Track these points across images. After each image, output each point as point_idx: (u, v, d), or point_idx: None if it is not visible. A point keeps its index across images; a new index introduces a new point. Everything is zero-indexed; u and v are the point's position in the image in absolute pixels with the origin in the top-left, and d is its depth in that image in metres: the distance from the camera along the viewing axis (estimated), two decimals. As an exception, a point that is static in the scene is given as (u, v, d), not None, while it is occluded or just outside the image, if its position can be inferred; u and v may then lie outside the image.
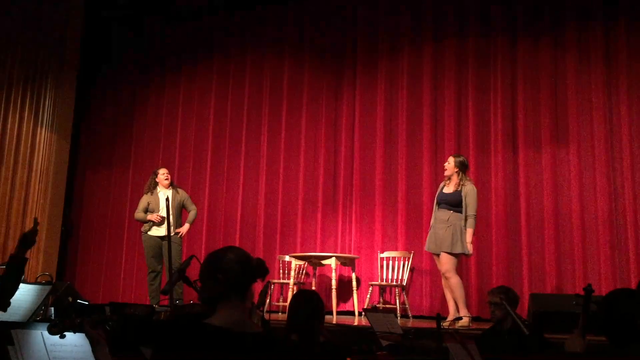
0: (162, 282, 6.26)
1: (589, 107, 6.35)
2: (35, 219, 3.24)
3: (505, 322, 3.75)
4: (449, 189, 5.51)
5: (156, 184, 6.43)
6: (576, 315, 3.05)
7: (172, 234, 6.12)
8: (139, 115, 8.49)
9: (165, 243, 6.15)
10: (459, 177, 5.47)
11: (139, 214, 6.40)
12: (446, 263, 5.30)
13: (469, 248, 5.30)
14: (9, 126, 7.48)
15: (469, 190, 5.39)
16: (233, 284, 1.86)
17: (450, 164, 5.54)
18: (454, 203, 5.38)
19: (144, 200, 6.40)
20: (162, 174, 6.41)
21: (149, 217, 6.26)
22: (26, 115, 7.67)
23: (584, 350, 2.82)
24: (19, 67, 7.63)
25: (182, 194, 6.49)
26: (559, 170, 6.38)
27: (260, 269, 1.93)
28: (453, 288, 5.29)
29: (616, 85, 6.30)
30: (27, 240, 2.98)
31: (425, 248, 5.67)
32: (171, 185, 6.46)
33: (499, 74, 6.76)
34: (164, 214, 6.23)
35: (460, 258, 5.50)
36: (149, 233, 6.29)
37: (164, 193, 6.36)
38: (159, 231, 6.25)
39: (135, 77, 8.60)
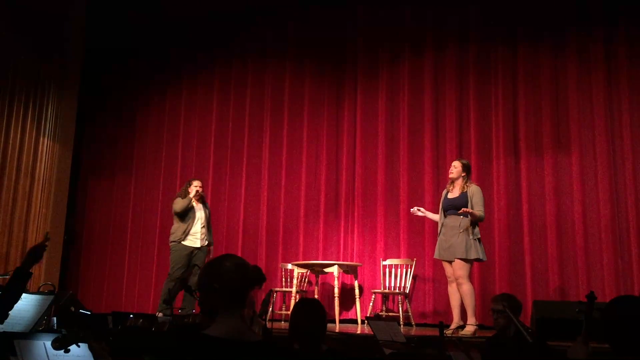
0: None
1: (590, 113, 6.36)
2: (47, 234, 3.18)
3: (509, 329, 3.74)
4: (453, 194, 5.48)
5: (188, 191, 6.33)
6: (579, 322, 3.04)
7: (205, 245, 6.21)
8: (141, 125, 8.51)
9: (196, 253, 6.13)
10: (464, 181, 5.46)
11: (181, 202, 6.19)
12: (460, 269, 5.25)
13: (464, 210, 5.22)
14: (11, 135, 7.49)
15: (475, 190, 5.37)
16: (231, 292, 1.86)
17: (457, 167, 5.52)
18: (462, 206, 5.34)
19: (178, 200, 6.28)
20: (196, 186, 6.32)
21: (193, 194, 6.19)
22: (29, 124, 7.68)
23: (587, 357, 2.81)
24: (21, 77, 7.66)
25: (208, 206, 6.50)
26: (560, 177, 6.38)
27: (257, 277, 1.93)
28: (464, 295, 5.25)
29: (617, 91, 6.31)
30: (35, 254, 2.92)
31: (435, 256, 5.60)
32: (201, 199, 6.36)
33: (499, 80, 6.77)
34: (199, 227, 6.21)
35: (473, 264, 5.48)
36: (184, 243, 6.13)
37: (199, 207, 6.32)
38: (194, 242, 6.16)
39: (136, 87, 8.62)
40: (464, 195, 5.37)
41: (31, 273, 2.86)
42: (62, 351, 2.00)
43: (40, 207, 7.71)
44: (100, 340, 2.11)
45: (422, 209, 5.75)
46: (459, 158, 5.79)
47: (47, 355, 2.04)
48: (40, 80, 7.84)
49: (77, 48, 8.18)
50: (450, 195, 5.51)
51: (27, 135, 7.67)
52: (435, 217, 5.66)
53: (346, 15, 7.61)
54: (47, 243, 2.99)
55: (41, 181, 7.75)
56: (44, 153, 7.81)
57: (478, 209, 5.28)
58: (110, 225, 8.38)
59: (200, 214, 6.30)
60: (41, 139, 7.80)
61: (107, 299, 8.06)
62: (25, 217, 7.55)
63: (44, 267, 7.53)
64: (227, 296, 1.86)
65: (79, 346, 2.02)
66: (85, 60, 8.38)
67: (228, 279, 1.86)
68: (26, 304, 3.32)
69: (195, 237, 6.19)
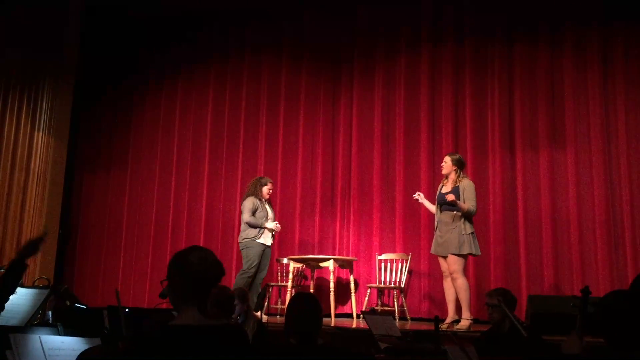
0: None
1: (586, 109, 6.38)
2: (46, 226, 3.20)
3: (503, 324, 3.75)
4: (447, 188, 5.51)
5: (260, 191, 6.26)
6: (574, 317, 3.05)
7: (272, 244, 6.29)
8: (137, 119, 8.48)
9: (266, 251, 6.20)
10: (457, 175, 5.47)
11: (254, 219, 6.13)
12: (454, 264, 5.28)
13: (449, 197, 5.24)
14: (6, 129, 7.46)
15: (467, 185, 5.40)
16: (191, 285, 1.86)
17: (447, 162, 5.54)
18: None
19: (251, 202, 6.19)
20: (269, 188, 6.31)
21: (270, 226, 6.14)
22: (23, 118, 7.65)
23: (581, 352, 2.82)
24: (16, 70, 7.62)
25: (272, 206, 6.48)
26: (556, 173, 6.40)
27: (214, 275, 1.90)
28: (459, 290, 5.27)
29: (613, 87, 6.33)
30: (32, 247, 2.93)
31: (432, 251, 5.65)
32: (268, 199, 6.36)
33: (496, 76, 6.78)
34: (271, 226, 6.19)
35: (468, 259, 5.50)
36: (258, 240, 6.11)
37: (268, 206, 6.30)
38: (266, 240, 6.17)
39: (132, 82, 8.58)
40: (456, 190, 5.39)
41: (27, 265, 2.84)
42: (58, 343, 2.00)
43: (35, 201, 7.68)
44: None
45: (422, 195, 5.75)
46: (449, 153, 5.78)
47: (43, 349, 2.04)
48: (35, 73, 7.81)
49: (73, 42, 8.14)
50: (444, 190, 5.53)
51: (22, 129, 7.64)
52: (431, 207, 5.67)
53: (343, 10, 7.58)
54: (44, 237, 2.96)
55: (36, 175, 7.73)
56: (39, 147, 7.78)
57: (470, 204, 5.30)
58: (105, 219, 8.36)
59: (270, 212, 6.29)
60: (36, 132, 7.77)
61: (102, 293, 8.04)
62: (20, 212, 7.53)
63: (39, 262, 7.51)
64: (188, 289, 1.86)
65: None
66: (81, 54, 8.34)
67: (188, 272, 1.87)
68: (21, 298, 3.31)
69: (267, 236, 6.20)
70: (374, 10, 7.43)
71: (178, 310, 1.88)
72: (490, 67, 6.83)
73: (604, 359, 2.16)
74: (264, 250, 6.17)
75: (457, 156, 5.59)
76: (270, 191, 6.35)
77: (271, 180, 6.46)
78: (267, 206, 6.28)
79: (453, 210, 5.34)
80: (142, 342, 1.75)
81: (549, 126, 6.49)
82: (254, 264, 6.06)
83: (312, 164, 7.47)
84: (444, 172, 5.58)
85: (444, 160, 5.61)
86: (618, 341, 2.13)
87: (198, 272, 1.86)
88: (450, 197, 5.26)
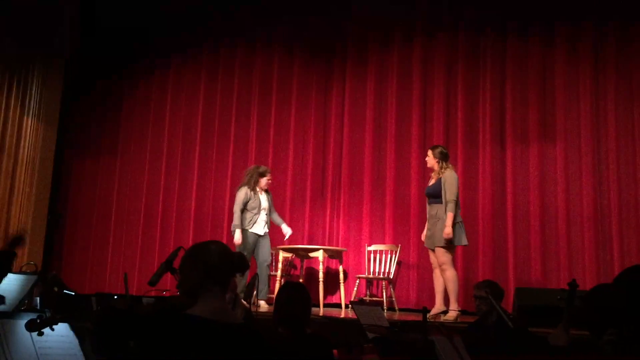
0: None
1: (577, 104, 6.41)
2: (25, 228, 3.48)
3: (491, 315, 3.78)
4: (433, 180, 5.55)
5: (257, 182, 6.20)
6: (561, 309, 3.08)
7: (266, 232, 6.18)
8: (127, 105, 8.41)
9: (261, 240, 6.13)
10: (440, 167, 5.49)
11: (237, 217, 6.06)
12: (442, 256, 5.31)
13: (447, 232, 5.19)
14: (-6, 114, 7.40)
15: (447, 177, 5.39)
16: (213, 275, 1.91)
17: (429, 156, 5.58)
18: (437, 194, 5.39)
19: (244, 193, 6.13)
20: (268, 179, 6.22)
21: (236, 240, 5.99)
22: (12, 103, 7.57)
23: (568, 344, 2.85)
24: (5, 55, 7.53)
25: (270, 194, 6.39)
26: (545, 166, 6.44)
27: (239, 264, 1.99)
28: (447, 281, 5.30)
29: (603, 82, 6.37)
30: (20, 240, 3.20)
31: (424, 244, 5.68)
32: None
33: (488, 70, 6.79)
34: (263, 215, 6.13)
35: (455, 250, 5.52)
36: (250, 230, 6.08)
37: (263, 196, 6.21)
38: (258, 229, 6.12)
39: (123, 66, 8.50)
40: (438, 182, 5.42)
41: (15, 253, 2.99)
42: (47, 329, 2.00)
43: (23, 187, 7.62)
44: (84, 321, 2.11)
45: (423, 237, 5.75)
46: (431, 146, 5.78)
47: (31, 335, 2.03)
48: (25, 58, 7.72)
49: (63, 27, 8.03)
50: (430, 183, 5.57)
51: (11, 114, 7.56)
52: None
53: (337, 2, 7.55)
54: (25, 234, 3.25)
55: (25, 161, 7.66)
56: (27, 132, 7.71)
57: (448, 196, 5.29)
58: (94, 206, 8.30)
59: (264, 202, 6.23)
60: (25, 118, 7.69)
61: (91, 280, 8.02)
62: (8, 198, 7.47)
63: (27, 248, 7.47)
64: (210, 277, 1.91)
65: (52, 329, 2.01)
66: (73, 40, 8.24)
67: (213, 260, 1.92)
68: (9, 284, 3.30)
69: (259, 225, 6.15)
70: (368, 2, 7.40)
71: (194, 298, 1.90)
72: (483, 61, 6.84)
73: (589, 351, 2.18)
74: (257, 240, 6.15)
75: (438, 149, 5.59)
76: (270, 181, 6.28)
77: (270, 170, 6.38)
78: (261, 196, 6.22)
79: (438, 203, 5.37)
80: (156, 329, 1.77)
81: (539, 120, 6.52)
82: (245, 253, 6.03)
83: (303, 155, 7.46)
84: (428, 165, 5.63)
85: (427, 154, 5.64)
86: (603, 334, 2.16)
87: (220, 261, 1.94)
88: (447, 236, 5.23)
